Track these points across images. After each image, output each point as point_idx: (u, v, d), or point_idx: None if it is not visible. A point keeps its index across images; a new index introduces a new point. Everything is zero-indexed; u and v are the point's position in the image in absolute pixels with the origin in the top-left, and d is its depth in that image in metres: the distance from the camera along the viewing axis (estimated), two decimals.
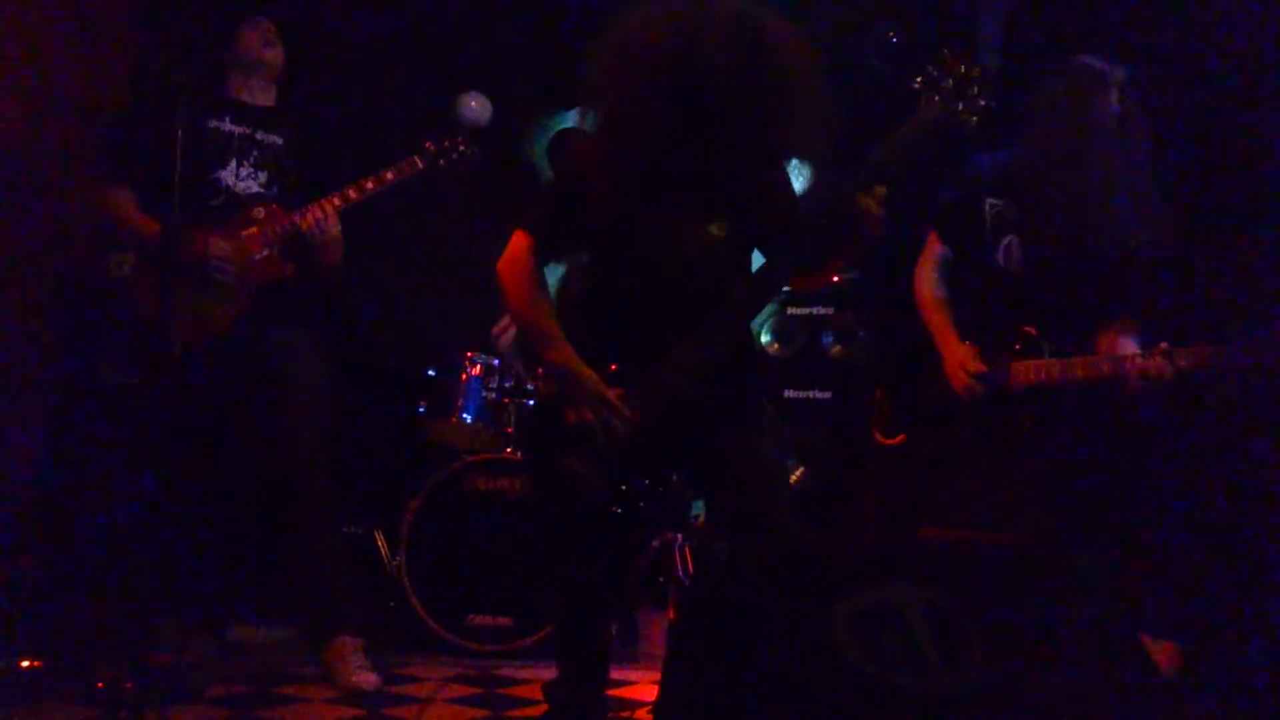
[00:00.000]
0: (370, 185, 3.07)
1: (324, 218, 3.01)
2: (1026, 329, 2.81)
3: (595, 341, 2.26)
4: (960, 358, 2.84)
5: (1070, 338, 2.79)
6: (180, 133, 2.41)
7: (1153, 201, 2.78)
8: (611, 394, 2.18)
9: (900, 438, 3.00)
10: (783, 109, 2.05)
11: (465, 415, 3.73)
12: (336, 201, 3.03)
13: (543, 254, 2.33)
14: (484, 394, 3.76)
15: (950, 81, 2.20)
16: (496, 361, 3.80)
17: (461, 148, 3.19)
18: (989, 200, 2.90)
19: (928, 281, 3.00)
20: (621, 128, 2.11)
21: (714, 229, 2.22)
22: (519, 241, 2.32)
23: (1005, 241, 2.88)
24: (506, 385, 3.80)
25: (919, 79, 2.22)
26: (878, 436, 3.05)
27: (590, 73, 2.12)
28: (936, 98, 2.20)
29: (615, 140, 2.13)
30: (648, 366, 2.20)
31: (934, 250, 3.02)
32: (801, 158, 2.20)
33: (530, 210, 2.37)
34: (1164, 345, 2.59)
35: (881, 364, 3.17)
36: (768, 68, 2.02)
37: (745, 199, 2.22)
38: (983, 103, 2.20)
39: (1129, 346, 2.73)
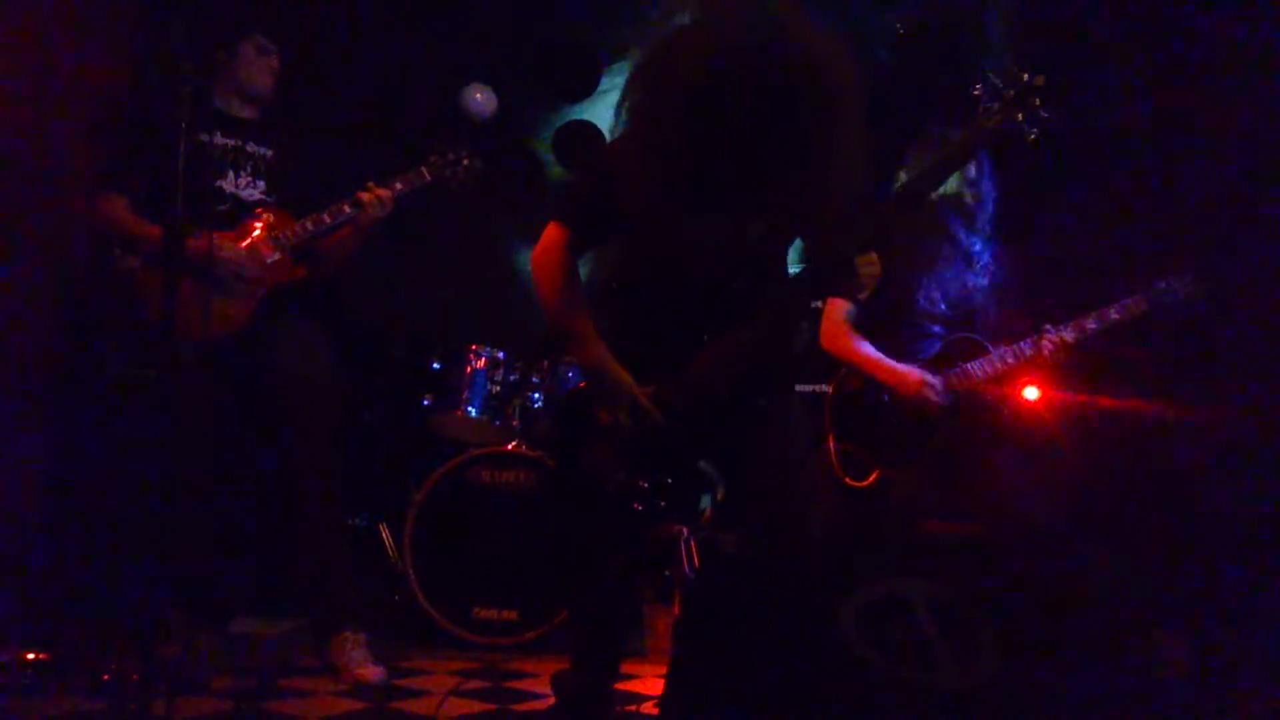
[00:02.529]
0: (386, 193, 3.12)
1: (380, 199, 3.08)
2: (969, 337, 3.18)
3: (627, 338, 2.24)
4: (915, 376, 3.09)
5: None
6: (185, 125, 2.39)
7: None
8: (643, 392, 2.18)
9: (873, 477, 3.14)
10: (824, 116, 2.01)
11: (470, 408, 3.72)
12: (391, 190, 3.11)
13: (577, 247, 2.30)
14: (488, 387, 3.76)
15: (1012, 91, 2.15)
16: (501, 354, 3.80)
17: (465, 161, 3.25)
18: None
19: (844, 335, 3.23)
20: (657, 130, 2.07)
21: (752, 229, 2.17)
22: (553, 233, 2.28)
23: (921, 284, 3.22)
24: (511, 379, 3.80)
25: (979, 85, 2.18)
26: (847, 481, 3.19)
27: (632, 77, 2.09)
28: (996, 106, 2.15)
29: (653, 145, 2.08)
30: (679, 364, 2.18)
31: (840, 309, 3.27)
32: (843, 166, 2.14)
33: (566, 203, 2.35)
34: (1046, 325, 3.08)
35: (828, 411, 3.31)
36: (810, 75, 1.98)
37: (786, 202, 2.19)
38: (1045, 115, 2.14)
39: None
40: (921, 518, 3.08)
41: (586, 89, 4.86)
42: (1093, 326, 3.06)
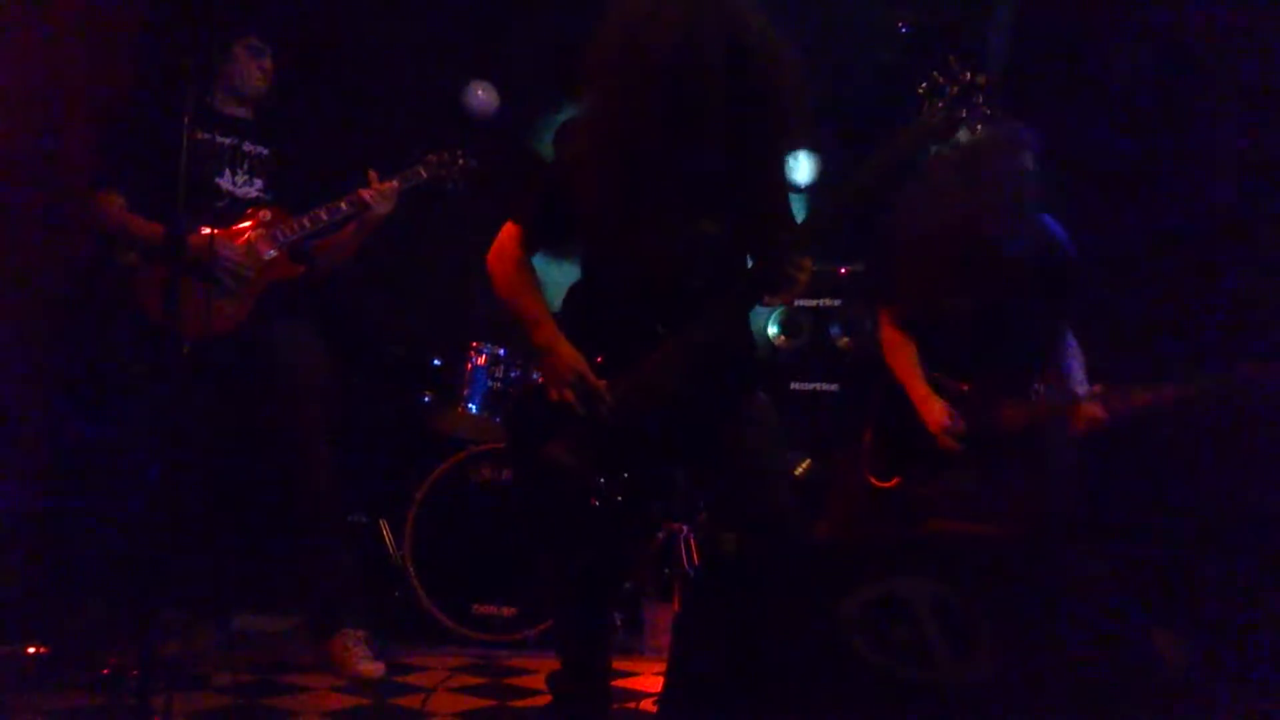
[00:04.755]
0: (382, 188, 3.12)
1: (383, 192, 3.09)
2: (997, 378, 2.99)
3: (584, 333, 2.24)
4: (937, 417, 2.95)
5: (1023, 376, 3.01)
6: (187, 119, 2.39)
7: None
8: (598, 384, 2.17)
9: (895, 480, 3.09)
10: (769, 102, 2.02)
11: (470, 405, 3.72)
12: (395, 183, 3.12)
13: (531, 244, 2.32)
14: (489, 384, 3.75)
15: (955, 88, 2.17)
16: (502, 351, 3.80)
17: (461, 161, 3.28)
18: None
19: (895, 341, 3.13)
20: (610, 122, 2.08)
21: (706, 224, 2.19)
22: (507, 231, 2.33)
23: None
24: (512, 375, 3.79)
25: (924, 84, 2.20)
26: (871, 480, 3.13)
27: (581, 65, 2.09)
28: (940, 103, 2.17)
29: (604, 134, 2.10)
30: (635, 360, 2.18)
31: (894, 315, 3.15)
32: (791, 148, 2.16)
33: (520, 201, 2.36)
34: (1097, 388, 2.81)
35: (873, 408, 3.23)
36: (752, 60, 1.99)
37: (738, 195, 2.19)
38: (987, 111, 2.17)
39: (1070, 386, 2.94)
40: (929, 516, 3.04)
41: None
42: (1144, 402, 2.74)
